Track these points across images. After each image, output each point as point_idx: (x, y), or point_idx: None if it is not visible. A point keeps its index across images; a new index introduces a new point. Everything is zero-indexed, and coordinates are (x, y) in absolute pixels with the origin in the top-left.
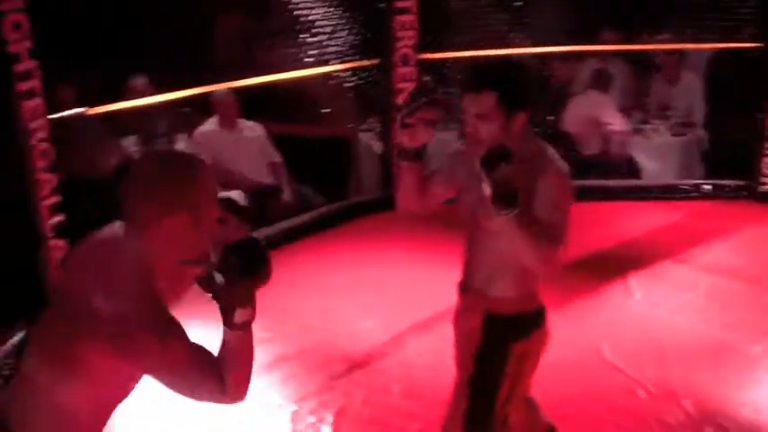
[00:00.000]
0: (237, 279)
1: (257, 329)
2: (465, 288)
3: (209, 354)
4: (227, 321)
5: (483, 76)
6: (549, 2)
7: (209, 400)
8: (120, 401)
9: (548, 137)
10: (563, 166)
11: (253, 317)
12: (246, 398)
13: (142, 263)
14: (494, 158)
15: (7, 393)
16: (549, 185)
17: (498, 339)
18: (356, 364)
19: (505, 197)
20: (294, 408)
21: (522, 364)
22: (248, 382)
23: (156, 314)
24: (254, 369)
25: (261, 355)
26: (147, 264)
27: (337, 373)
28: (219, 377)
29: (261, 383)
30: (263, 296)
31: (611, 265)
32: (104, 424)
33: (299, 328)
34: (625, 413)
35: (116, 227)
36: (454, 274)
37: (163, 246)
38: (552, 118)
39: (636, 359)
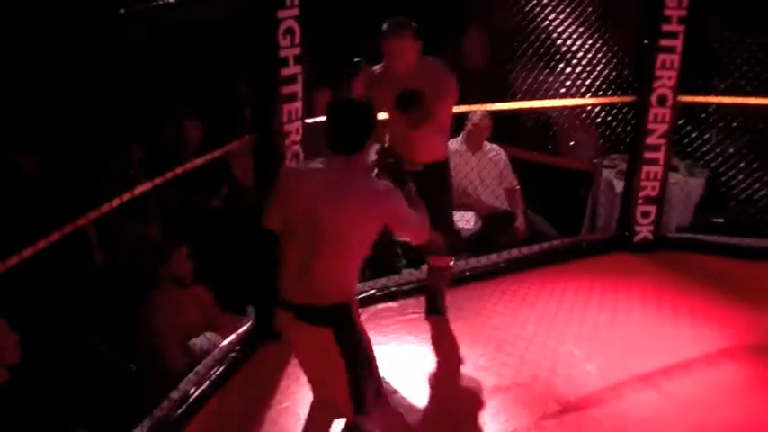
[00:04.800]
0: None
1: (475, 356)
2: None
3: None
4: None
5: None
6: None
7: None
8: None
9: None
10: None
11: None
12: None
13: (366, 168)
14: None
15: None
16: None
17: None
18: (569, 408)
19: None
20: None
21: None
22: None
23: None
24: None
25: (476, 383)
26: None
27: (549, 414)
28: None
29: (474, 411)
30: (483, 324)
31: None
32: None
33: (517, 360)
34: None
35: (323, 160)
36: (686, 330)
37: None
38: None
39: None
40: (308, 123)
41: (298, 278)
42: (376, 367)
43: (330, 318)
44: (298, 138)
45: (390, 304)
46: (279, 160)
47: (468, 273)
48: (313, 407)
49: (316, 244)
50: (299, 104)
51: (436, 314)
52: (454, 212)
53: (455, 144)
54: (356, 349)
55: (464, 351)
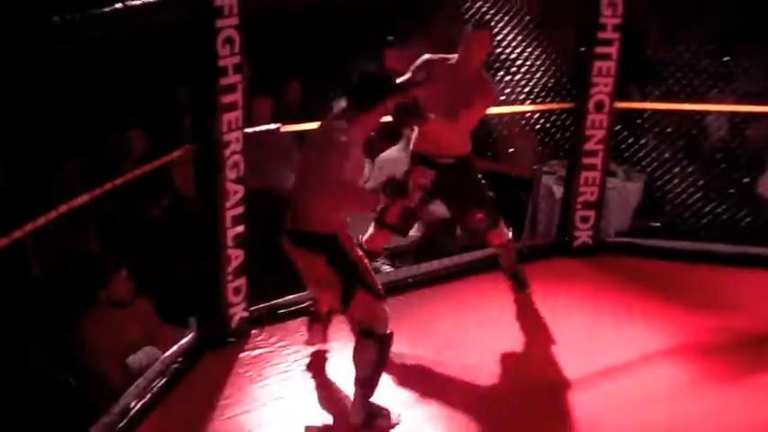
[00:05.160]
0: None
1: (418, 361)
2: None
3: None
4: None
5: None
6: (759, 60)
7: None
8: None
9: (739, 199)
10: None
11: None
12: None
13: (357, 128)
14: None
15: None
16: None
17: None
18: (511, 410)
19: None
20: None
21: None
22: None
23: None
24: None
25: (419, 387)
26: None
27: (491, 416)
28: None
29: (416, 415)
30: (426, 331)
31: None
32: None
33: (459, 364)
34: None
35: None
36: (626, 332)
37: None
38: (747, 180)
39: None
40: (248, 132)
41: (290, 207)
42: (371, 277)
43: (319, 245)
44: (238, 147)
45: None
46: (219, 170)
47: (410, 280)
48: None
49: (299, 179)
50: (239, 113)
51: (524, 289)
52: None
53: (395, 151)
54: (349, 270)
55: (407, 356)
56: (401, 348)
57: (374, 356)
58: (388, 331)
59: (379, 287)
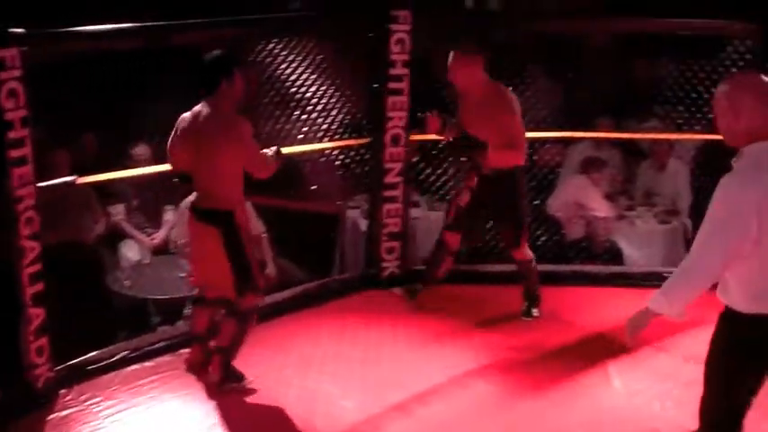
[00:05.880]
0: None
1: (233, 408)
2: None
3: None
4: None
5: None
6: (542, 89)
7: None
8: None
9: (534, 221)
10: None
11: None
12: None
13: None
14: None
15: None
16: None
17: None
18: None
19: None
20: None
21: None
22: None
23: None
24: None
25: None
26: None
27: None
28: None
29: None
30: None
31: (592, 352)
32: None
33: (276, 406)
34: None
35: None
36: (436, 356)
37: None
38: (538, 202)
39: None
40: (42, 186)
41: (196, 188)
42: (255, 264)
43: (219, 218)
44: (31, 202)
45: (145, 364)
46: (11, 225)
47: None
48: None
49: (198, 162)
50: (30, 168)
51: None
52: None
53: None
54: (239, 248)
55: (220, 405)
56: (215, 399)
57: (234, 330)
58: (256, 306)
59: (258, 276)
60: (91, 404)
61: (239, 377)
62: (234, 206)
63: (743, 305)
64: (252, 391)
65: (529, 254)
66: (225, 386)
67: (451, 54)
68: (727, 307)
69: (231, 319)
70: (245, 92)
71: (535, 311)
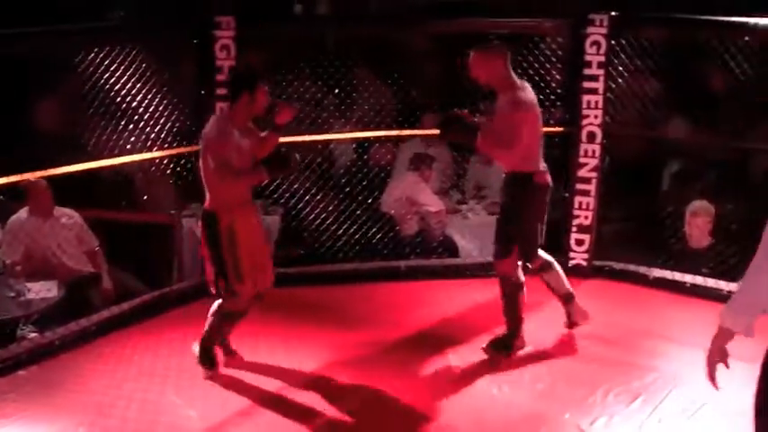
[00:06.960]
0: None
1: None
2: None
3: None
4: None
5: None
6: (371, 90)
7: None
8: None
9: (368, 219)
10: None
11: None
12: None
13: (233, 117)
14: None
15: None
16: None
17: None
18: None
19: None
20: None
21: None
22: None
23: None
24: None
25: None
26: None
27: None
28: None
29: None
30: (82, 392)
31: (432, 343)
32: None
33: (118, 421)
34: None
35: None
36: (280, 360)
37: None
38: (370, 201)
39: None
40: None
41: None
42: (230, 269)
43: (204, 217)
44: None
45: None
46: None
47: (57, 343)
48: None
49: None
50: None
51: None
52: (36, 283)
53: (23, 213)
54: (215, 249)
55: (64, 423)
56: (58, 418)
57: (216, 322)
58: (235, 310)
59: (242, 273)
60: None
61: (212, 357)
62: (218, 208)
63: None
64: (90, 408)
65: (513, 273)
66: (201, 360)
67: (471, 53)
68: None
69: (215, 314)
70: (266, 108)
71: (508, 347)
